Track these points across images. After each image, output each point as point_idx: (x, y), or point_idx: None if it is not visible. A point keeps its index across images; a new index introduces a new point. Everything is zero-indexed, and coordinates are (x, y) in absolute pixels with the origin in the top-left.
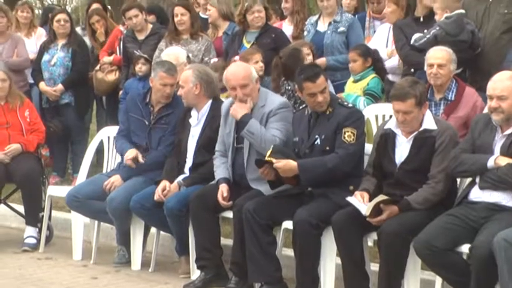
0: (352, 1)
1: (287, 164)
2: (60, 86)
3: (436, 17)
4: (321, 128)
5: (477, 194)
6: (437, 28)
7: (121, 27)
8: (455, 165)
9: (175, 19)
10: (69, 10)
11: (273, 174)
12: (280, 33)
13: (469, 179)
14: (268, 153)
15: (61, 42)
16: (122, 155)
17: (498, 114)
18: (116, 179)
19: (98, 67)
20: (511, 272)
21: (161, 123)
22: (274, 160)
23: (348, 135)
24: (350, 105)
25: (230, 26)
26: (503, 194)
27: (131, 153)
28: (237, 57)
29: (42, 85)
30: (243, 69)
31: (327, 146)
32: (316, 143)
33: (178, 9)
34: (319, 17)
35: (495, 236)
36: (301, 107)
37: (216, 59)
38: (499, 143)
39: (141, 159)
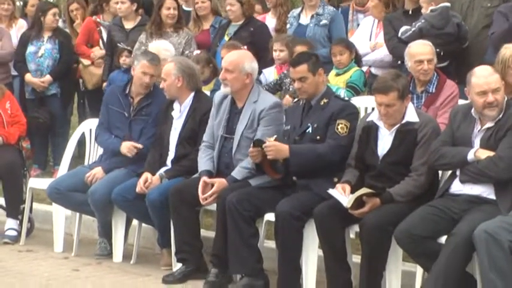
0: None
1: (279, 145)
2: (48, 77)
3: (423, 10)
4: (314, 117)
5: (458, 187)
6: (423, 21)
7: (99, 20)
8: (436, 158)
9: (166, 12)
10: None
11: (260, 158)
12: (260, 27)
13: (450, 172)
14: (272, 139)
15: (47, 34)
16: (112, 151)
17: (493, 108)
18: (98, 171)
19: (86, 62)
20: (491, 262)
21: (142, 114)
22: (268, 139)
23: (341, 127)
24: (346, 98)
25: (216, 20)
26: (484, 187)
27: (126, 144)
28: (220, 48)
29: (29, 76)
30: (236, 56)
31: (317, 135)
32: (307, 131)
33: (171, 3)
34: (301, 10)
35: (475, 224)
36: (296, 99)
37: (198, 51)
38: (478, 135)
39: (138, 145)
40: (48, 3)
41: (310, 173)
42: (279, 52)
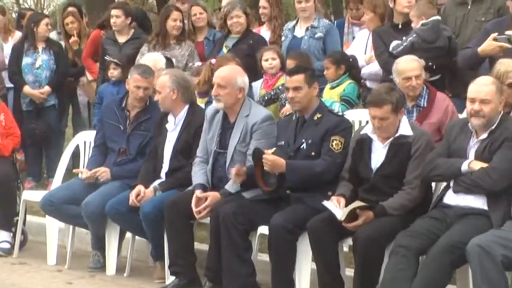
0: None
1: (277, 160)
2: (47, 88)
3: (413, 24)
4: (308, 132)
5: (451, 198)
6: (414, 35)
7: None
8: (430, 169)
9: (173, 23)
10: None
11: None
12: (259, 40)
13: (443, 184)
14: (271, 151)
15: (41, 45)
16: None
17: (479, 118)
18: (106, 171)
19: (90, 77)
20: (483, 276)
21: (140, 129)
22: (266, 151)
23: (336, 143)
24: (340, 113)
25: (211, 32)
26: (476, 198)
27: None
28: (213, 60)
29: (27, 88)
30: (228, 71)
31: (312, 151)
32: (302, 147)
33: (178, 15)
34: (296, 22)
35: (454, 238)
36: (288, 113)
37: (199, 63)
38: (473, 147)
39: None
40: (40, 14)
41: (306, 188)
42: (271, 61)
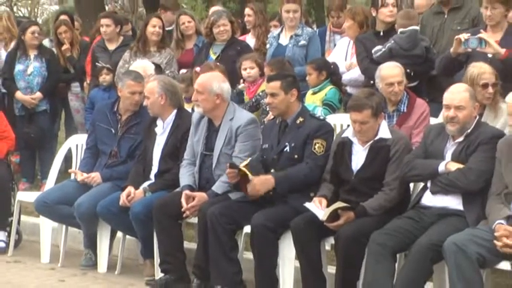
0: None
1: (263, 180)
2: (39, 94)
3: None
4: (291, 136)
5: (429, 199)
6: (392, 42)
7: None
8: (408, 170)
9: (152, 29)
10: (40, 22)
11: (237, 179)
12: (246, 46)
13: (421, 185)
14: (245, 163)
15: (33, 53)
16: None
17: (454, 124)
18: (96, 176)
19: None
20: (459, 274)
21: (131, 132)
22: (250, 176)
23: (318, 146)
24: (321, 117)
25: (199, 39)
26: (452, 198)
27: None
28: (198, 68)
29: (19, 94)
30: (205, 78)
31: (295, 154)
32: (285, 149)
33: (157, 21)
34: (281, 31)
35: (434, 237)
36: (272, 118)
37: (184, 71)
38: (450, 150)
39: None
40: (27, 22)
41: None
42: (249, 70)
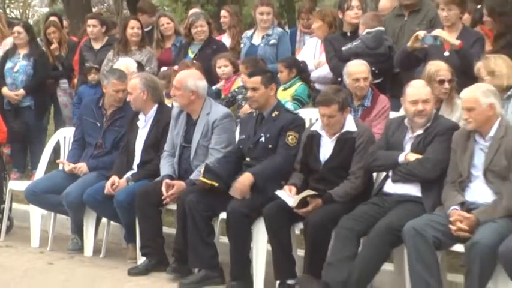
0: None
1: (242, 181)
2: (21, 91)
3: (360, 31)
4: (266, 127)
5: (390, 187)
6: (359, 41)
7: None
8: (371, 160)
9: (131, 31)
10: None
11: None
12: (221, 46)
13: (383, 174)
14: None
15: (23, 51)
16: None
17: (422, 117)
18: (83, 166)
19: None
20: (418, 256)
21: (115, 125)
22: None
23: (291, 138)
24: (295, 111)
25: (178, 39)
26: (411, 186)
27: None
28: (176, 67)
29: (5, 89)
30: (182, 75)
31: (270, 144)
32: (260, 140)
33: (135, 23)
34: (254, 31)
35: (391, 221)
36: (249, 111)
37: (165, 68)
38: (409, 141)
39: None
40: (11, 23)
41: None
42: (223, 68)
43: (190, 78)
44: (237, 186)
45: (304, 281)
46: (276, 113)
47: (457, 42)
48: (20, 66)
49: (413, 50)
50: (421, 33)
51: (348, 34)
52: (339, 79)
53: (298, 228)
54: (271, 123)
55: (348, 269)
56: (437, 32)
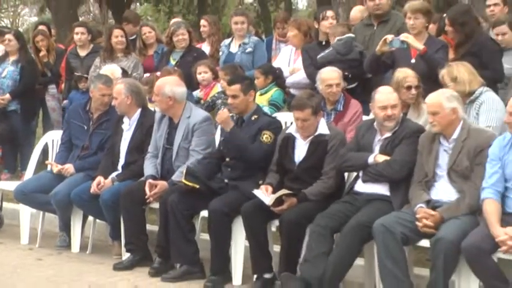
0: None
1: (227, 119)
2: (7, 96)
3: (331, 40)
4: (246, 130)
5: (361, 186)
6: (331, 48)
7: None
8: (343, 161)
9: (115, 39)
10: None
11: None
12: (201, 53)
13: (354, 175)
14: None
15: (12, 58)
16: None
17: (391, 121)
18: (70, 167)
19: None
20: (387, 251)
21: (101, 128)
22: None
23: (266, 137)
24: (273, 115)
25: (159, 47)
26: (381, 185)
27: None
28: (158, 73)
29: None
30: (160, 82)
31: None
32: None
33: (118, 31)
34: (231, 40)
35: (361, 219)
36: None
37: (148, 74)
38: (378, 144)
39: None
40: (3, 32)
41: (239, 176)
42: (203, 74)
43: (167, 84)
44: (222, 116)
45: (285, 279)
46: (256, 116)
47: (422, 46)
48: (7, 71)
49: (382, 54)
50: (389, 36)
51: (323, 43)
52: (315, 85)
53: (274, 226)
54: (250, 126)
55: (324, 265)
56: (404, 36)
